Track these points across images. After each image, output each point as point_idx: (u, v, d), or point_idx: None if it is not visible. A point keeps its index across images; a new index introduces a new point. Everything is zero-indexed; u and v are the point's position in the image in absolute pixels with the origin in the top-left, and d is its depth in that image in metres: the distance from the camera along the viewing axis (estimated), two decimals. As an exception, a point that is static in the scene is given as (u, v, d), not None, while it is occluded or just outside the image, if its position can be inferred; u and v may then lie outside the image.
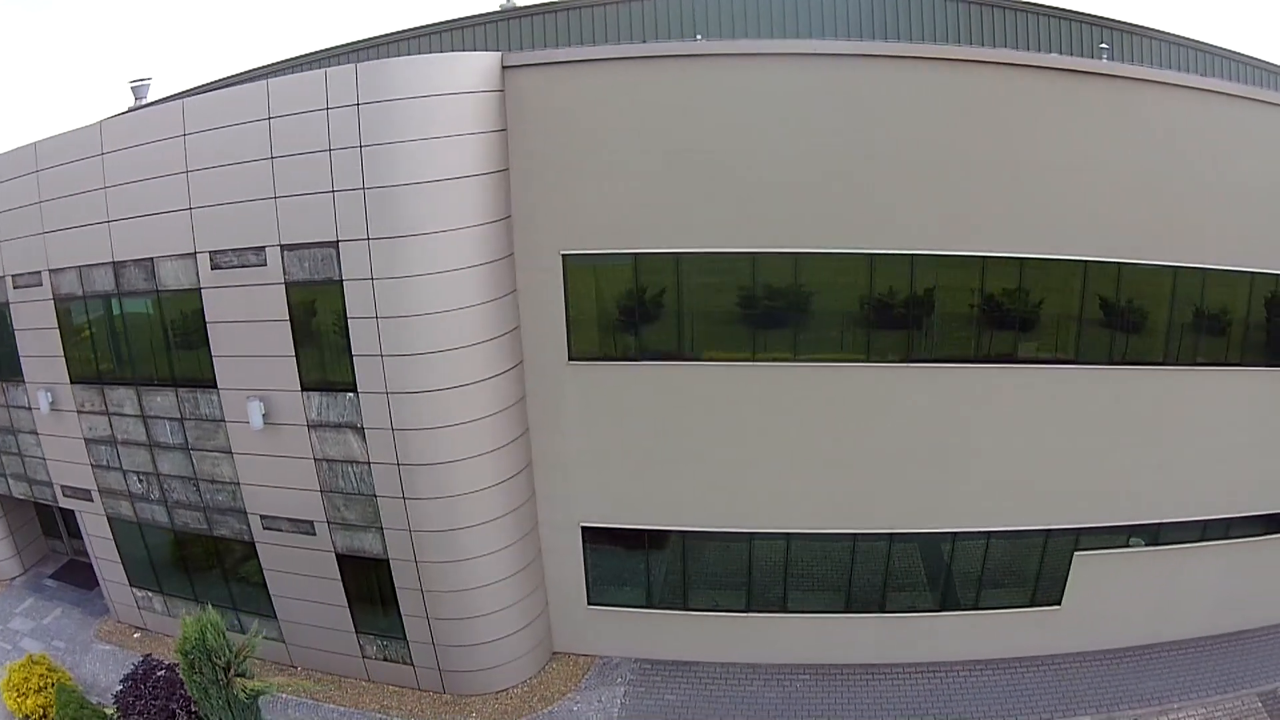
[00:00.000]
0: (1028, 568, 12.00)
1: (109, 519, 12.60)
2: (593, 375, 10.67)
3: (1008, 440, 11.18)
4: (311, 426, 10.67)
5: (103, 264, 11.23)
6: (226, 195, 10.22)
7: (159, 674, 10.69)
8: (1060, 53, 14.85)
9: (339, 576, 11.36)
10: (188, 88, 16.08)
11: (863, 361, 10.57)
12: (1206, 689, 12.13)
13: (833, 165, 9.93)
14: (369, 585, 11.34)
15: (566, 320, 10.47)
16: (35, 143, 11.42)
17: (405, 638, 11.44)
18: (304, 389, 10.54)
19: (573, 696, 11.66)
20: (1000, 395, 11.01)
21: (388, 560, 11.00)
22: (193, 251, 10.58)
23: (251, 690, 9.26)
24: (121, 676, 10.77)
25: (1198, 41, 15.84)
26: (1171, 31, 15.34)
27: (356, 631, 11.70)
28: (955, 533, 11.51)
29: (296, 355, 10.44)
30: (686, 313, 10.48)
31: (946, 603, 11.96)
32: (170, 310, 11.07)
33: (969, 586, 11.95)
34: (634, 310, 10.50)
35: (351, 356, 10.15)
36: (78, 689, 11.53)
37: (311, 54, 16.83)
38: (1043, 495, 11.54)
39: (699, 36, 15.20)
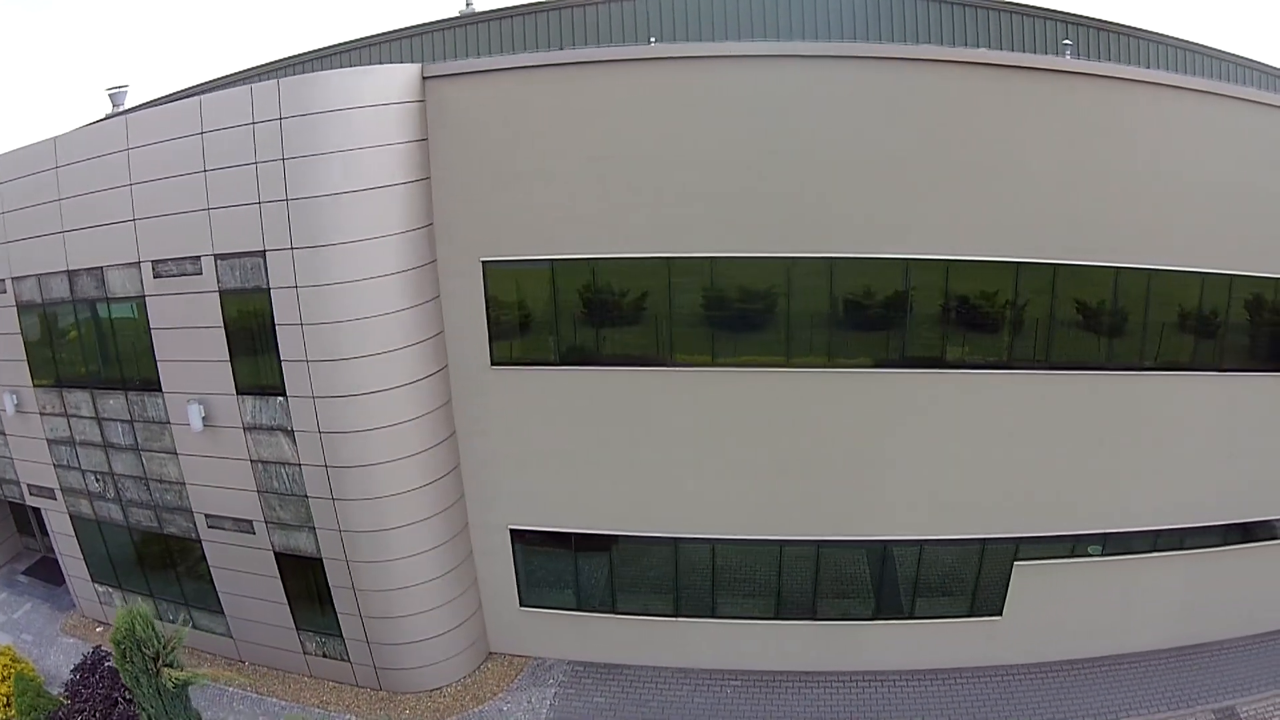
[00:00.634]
0: (965, 577, 12.28)
1: (71, 517, 13.71)
2: (515, 380, 11.34)
3: (936, 448, 11.49)
4: (247, 429, 11.55)
5: (59, 273, 12.28)
6: (166, 207, 11.16)
7: (106, 664, 11.72)
8: (991, 47, 15.04)
9: (278, 574, 12.23)
10: (162, 94, 17.23)
11: (783, 367, 11.03)
12: (1158, 704, 12.28)
13: (749, 170, 10.39)
14: (306, 583, 12.18)
15: (488, 326, 11.15)
16: (-4, 158, 12.57)
17: (342, 635, 12.26)
18: (239, 393, 11.42)
19: (504, 697, 12.34)
20: (926, 401, 11.31)
21: (322, 559, 11.83)
22: (137, 261, 11.54)
23: (179, 680, 10.12)
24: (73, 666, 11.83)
25: (1157, 33, 15.87)
26: (1135, 25, 15.41)
27: (297, 628, 12.56)
28: (885, 541, 11.88)
29: (231, 360, 11.32)
30: (603, 319, 11.08)
31: (881, 611, 12.32)
32: (119, 316, 12.08)
33: (904, 595, 12.28)
34: (553, 316, 11.12)
35: (280, 361, 11.00)
36: (38, 679, 12.59)
37: (279, 61, 17.83)
38: (976, 504, 11.80)
39: (653, 40, 15.77)
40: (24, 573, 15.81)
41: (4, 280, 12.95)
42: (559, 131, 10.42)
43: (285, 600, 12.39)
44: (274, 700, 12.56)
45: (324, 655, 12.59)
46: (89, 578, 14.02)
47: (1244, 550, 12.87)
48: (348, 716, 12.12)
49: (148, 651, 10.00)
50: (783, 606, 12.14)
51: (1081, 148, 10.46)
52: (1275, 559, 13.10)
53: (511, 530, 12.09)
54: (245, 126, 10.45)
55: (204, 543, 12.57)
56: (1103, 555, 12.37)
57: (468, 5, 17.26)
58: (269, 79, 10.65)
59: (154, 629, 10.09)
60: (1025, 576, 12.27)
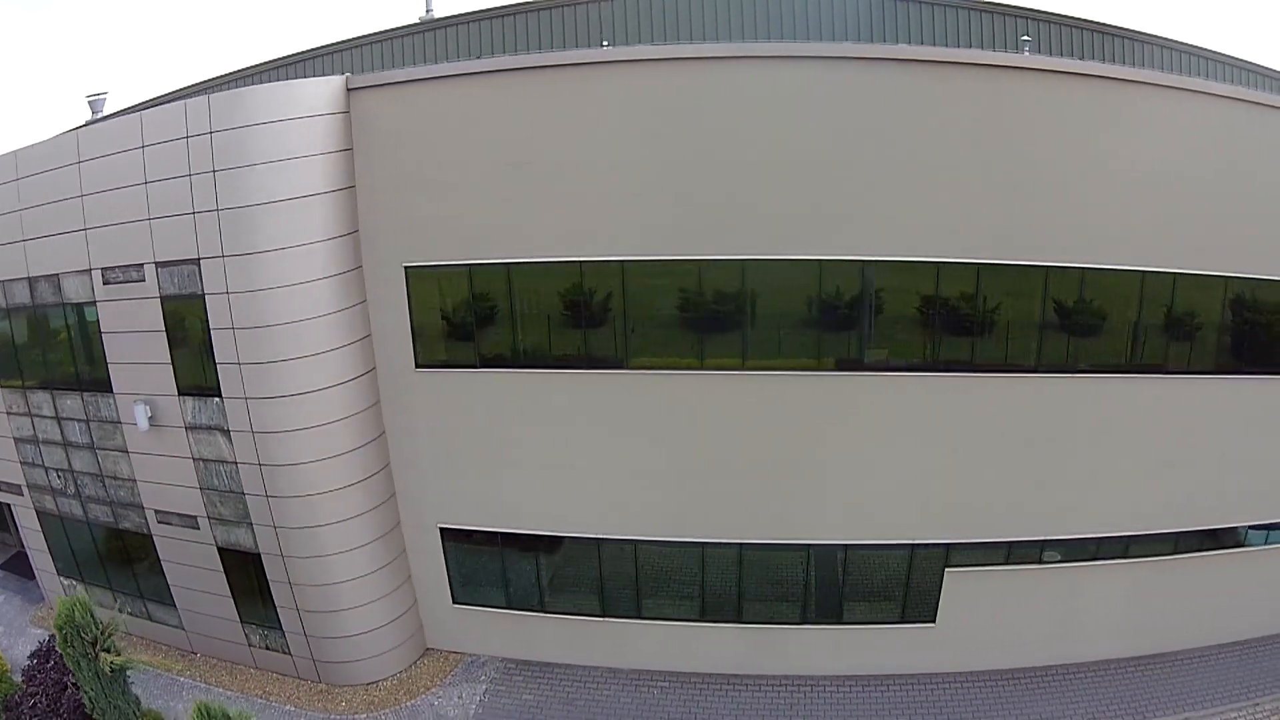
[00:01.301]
0: (895, 583, 12.74)
1: (37, 513, 15.04)
2: (439, 382, 12.22)
3: (860, 451, 11.98)
4: (188, 428, 12.65)
5: (20, 279, 13.59)
6: (112, 217, 12.31)
7: (59, 651, 12.94)
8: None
9: (222, 569, 13.34)
10: (131, 104, 18.60)
11: (698, 369, 11.68)
12: (1105, 716, 12.54)
13: (656, 172, 11.01)
14: (248, 578, 13.25)
15: (412, 330, 12.05)
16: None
17: (282, 629, 13.29)
18: (180, 393, 12.53)
19: (436, 692, 13.23)
20: (849, 405, 11.81)
21: (260, 554, 12.88)
22: (88, 268, 12.76)
23: (115, 664, 11.23)
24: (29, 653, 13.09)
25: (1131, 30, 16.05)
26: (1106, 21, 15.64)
27: (241, 622, 13.65)
28: (809, 544, 12.42)
29: (172, 362, 12.44)
30: (521, 321, 11.88)
31: (808, 615, 12.86)
32: (74, 321, 13.32)
33: (832, 600, 12.81)
34: (473, 320, 11.97)
35: (215, 364, 12.07)
36: (5, 665, 13.93)
37: (238, 71, 19.06)
38: (904, 508, 12.25)
39: (605, 43, 16.54)
40: (0, 567, 17.31)
41: (-26, 286, 14.35)
42: (471, 139, 11.24)
43: (230, 594, 13.49)
44: (220, 690, 13.65)
45: (267, 648, 13.66)
46: (55, 571, 15.36)
47: (1195, 559, 13.08)
48: (287, 707, 13.17)
49: (86, 637, 11.13)
50: (708, 609, 12.78)
51: (993, 144, 10.81)
52: (1229, 568, 13.29)
53: (441, 529, 12.98)
54: (180, 140, 11.53)
55: (155, 538, 13.75)
56: (1040, 564, 12.72)
57: (428, 11, 18.25)
58: (229, 89, 11.66)
59: (92, 616, 11.21)
60: (958, 583, 12.68)
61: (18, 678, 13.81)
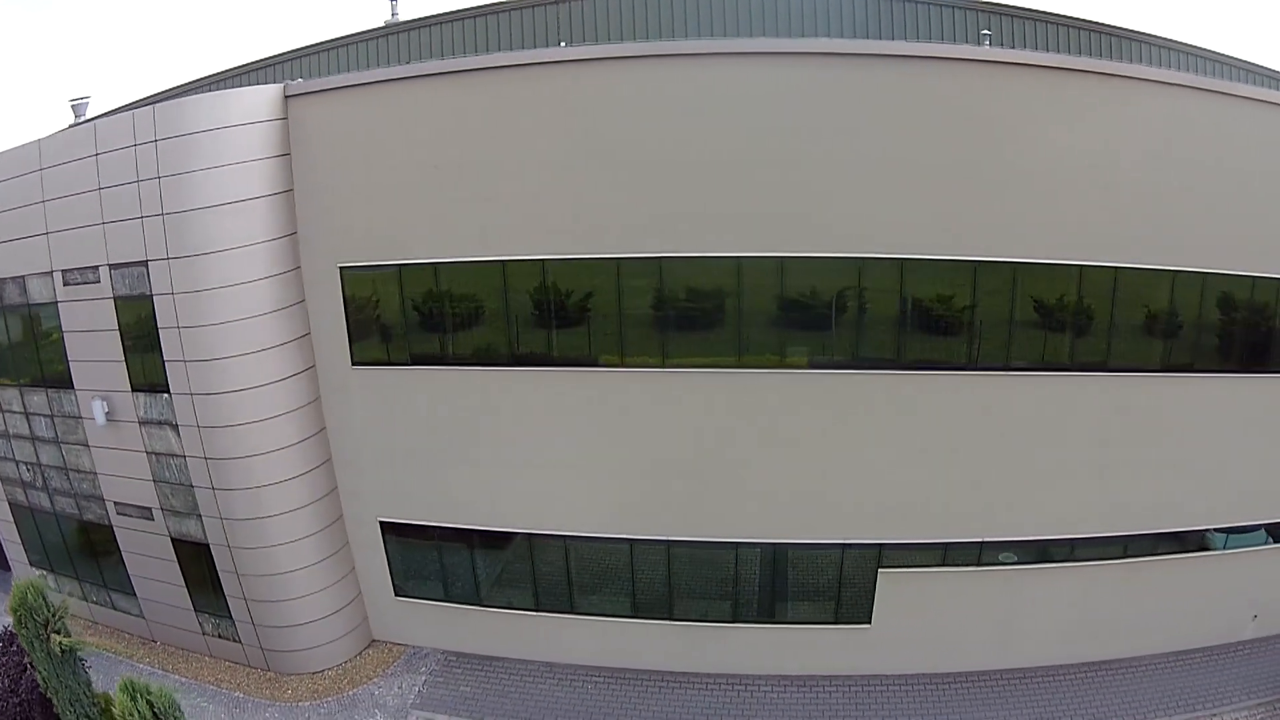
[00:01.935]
0: (829, 583, 13.28)
1: (10, 505, 16.42)
2: (373, 379, 13.17)
3: (788, 449, 12.55)
4: (141, 423, 13.83)
5: (-8, 280, 14.99)
6: (71, 221, 13.54)
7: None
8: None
9: (175, 559, 14.49)
10: (110, 108, 20.02)
11: (620, 367, 12.41)
12: (1046, 723, 12.91)
13: (574, 175, 11.74)
14: (199, 568, 14.37)
15: (347, 328, 13.03)
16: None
17: (232, 617, 14.39)
18: (133, 390, 13.70)
19: (377, 682, 14.18)
20: (774, 402, 12.41)
21: (209, 545, 13.99)
22: (50, 270, 14.03)
23: (65, 645, 12.40)
24: (-6, 636, 14.41)
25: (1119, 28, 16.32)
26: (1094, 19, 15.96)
27: (195, 610, 14.79)
28: (736, 543, 13.05)
29: (126, 360, 13.63)
30: (450, 320, 12.76)
31: (741, 614, 13.48)
32: (38, 320, 14.62)
33: (763, 599, 13.41)
34: (404, 319, 12.88)
35: (164, 361, 13.20)
36: (-23, 651, 15.33)
37: (228, 70, 20.39)
38: (835, 507, 12.79)
39: (562, 43, 17.38)
40: (-19, 557, 18.83)
41: (-50, 288, 15.78)
42: (398, 142, 12.15)
43: (184, 584, 14.64)
44: (177, 677, 14.79)
45: (219, 636, 14.77)
46: (27, 562, 16.73)
47: (1146, 564, 13.37)
48: (236, 694, 14.25)
49: (38, 618, 12.34)
50: (639, 605, 13.50)
51: (947, 143, 11.21)
52: (1183, 572, 13.53)
53: (381, 522, 13.94)
54: (129, 148, 12.70)
55: (115, 529, 14.97)
56: (977, 566, 13.15)
57: (393, 15, 19.32)
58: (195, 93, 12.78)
59: (44, 598, 12.40)
60: (893, 584, 13.19)
61: (-11, 662, 15.18)
